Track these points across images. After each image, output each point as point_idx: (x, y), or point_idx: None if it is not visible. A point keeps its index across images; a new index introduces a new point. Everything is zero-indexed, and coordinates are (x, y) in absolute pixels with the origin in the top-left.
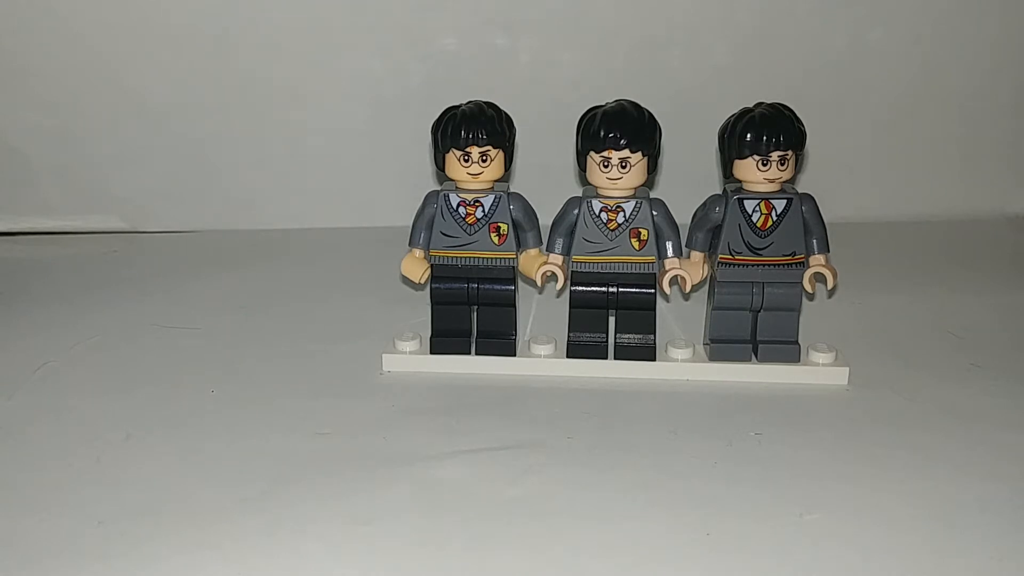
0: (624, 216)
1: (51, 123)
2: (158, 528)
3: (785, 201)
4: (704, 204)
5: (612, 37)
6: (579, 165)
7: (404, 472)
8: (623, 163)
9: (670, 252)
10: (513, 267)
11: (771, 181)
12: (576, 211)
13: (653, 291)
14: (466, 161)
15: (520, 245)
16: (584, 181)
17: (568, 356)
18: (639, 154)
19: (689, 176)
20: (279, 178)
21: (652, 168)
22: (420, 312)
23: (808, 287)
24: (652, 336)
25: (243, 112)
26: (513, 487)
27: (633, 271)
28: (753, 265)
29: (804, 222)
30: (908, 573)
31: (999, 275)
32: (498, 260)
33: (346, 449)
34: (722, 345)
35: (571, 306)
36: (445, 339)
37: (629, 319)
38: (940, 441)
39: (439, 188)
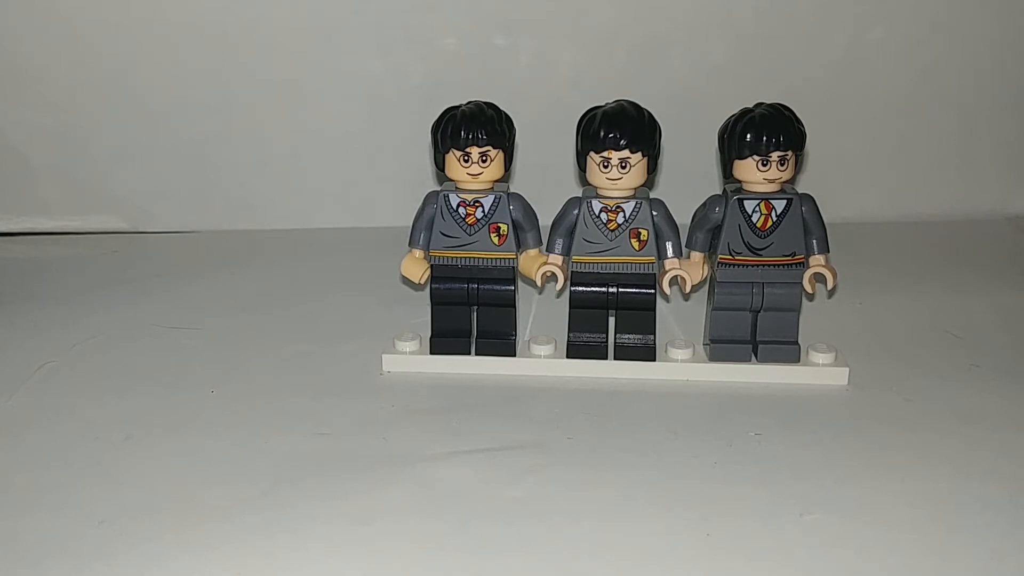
0: (624, 216)
1: (51, 123)
2: (158, 528)
3: (785, 201)
4: (704, 204)
5: (612, 37)
6: (579, 165)
7: (404, 472)
8: (623, 163)
9: (670, 252)
10: (513, 267)
11: (771, 181)
12: (576, 211)
13: (653, 291)
14: (466, 161)
15: (520, 245)
16: (584, 181)
17: (568, 356)
18: (639, 154)
19: (689, 176)
20: (279, 178)
21: (652, 168)
22: (420, 312)
23: (808, 287)
24: (652, 336)
25: (243, 112)
26: (513, 487)
27: (633, 271)
28: (753, 265)
29: (804, 222)
30: (908, 573)
31: (999, 275)
32: (498, 260)
33: (346, 449)
34: (722, 345)
35: (571, 306)
36: (445, 339)
37: (629, 319)
38: (940, 441)
39: (439, 188)
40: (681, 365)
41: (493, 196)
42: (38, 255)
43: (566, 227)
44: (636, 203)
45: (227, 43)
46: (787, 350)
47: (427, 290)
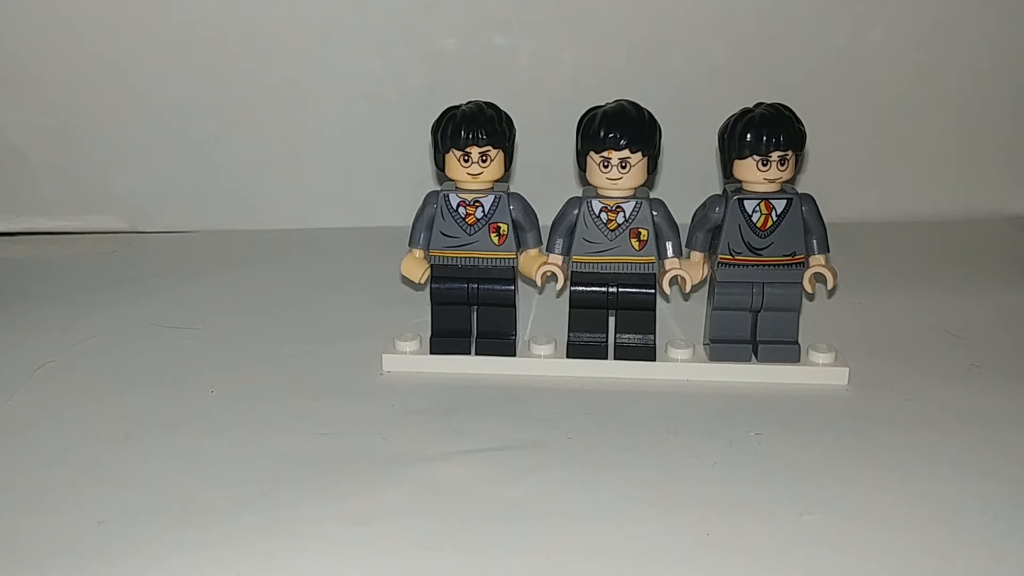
0: (624, 216)
1: (51, 123)
2: (158, 528)
3: (785, 201)
4: (704, 204)
5: (612, 37)
6: (579, 165)
7: (404, 472)
8: (623, 163)
9: (670, 252)
10: (513, 267)
11: (771, 181)
12: (576, 211)
13: (653, 291)
14: (466, 161)
15: (520, 245)
16: (584, 181)
17: (568, 356)
18: (639, 154)
19: (689, 176)
20: (279, 178)
21: (652, 168)
22: (420, 312)
23: (808, 287)
24: (652, 336)
25: (243, 112)
26: (513, 487)
27: (633, 271)
28: (753, 265)
29: (804, 222)
30: (908, 573)
31: (999, 275)
32: (498, 260)
33: (346, 449)
34: (722, 345)
35: (571, 306)
36: (445, 339)
37: (629, 319)
38: (940, 441)
39: (439, 188)
40: (681, 365)
41: (493, 196)
42: (38, 255)
43: (566, 227)
44: (636, 203)
45: (227, 43)
46: (787, 350)
47: (427, 290)
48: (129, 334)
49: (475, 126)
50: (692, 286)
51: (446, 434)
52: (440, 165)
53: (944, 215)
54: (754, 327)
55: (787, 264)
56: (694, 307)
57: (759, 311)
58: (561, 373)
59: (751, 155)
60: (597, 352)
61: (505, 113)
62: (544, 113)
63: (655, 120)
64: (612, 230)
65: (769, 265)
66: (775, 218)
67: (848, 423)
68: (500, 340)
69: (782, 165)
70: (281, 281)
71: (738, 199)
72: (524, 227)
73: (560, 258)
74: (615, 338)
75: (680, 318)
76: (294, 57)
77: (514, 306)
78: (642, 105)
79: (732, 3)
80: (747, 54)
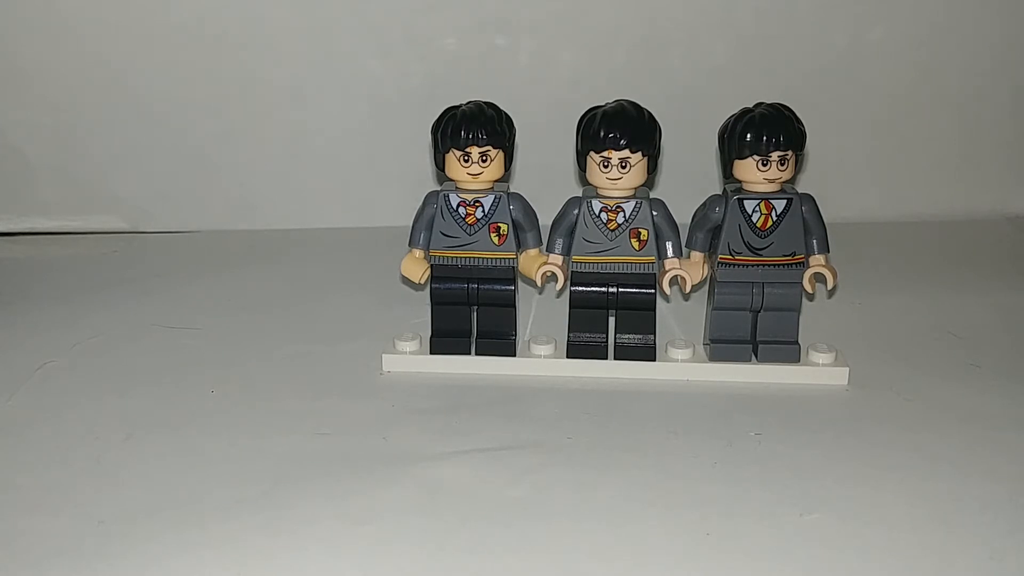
0: (624, 216)
1: (51, 123)
2: (158, 528)
3: (785, 201)
4: (704, 204)
5: (612, 37)
6: (579, 165)
7: (404, 472)
8: (623, 163)
9: (670, 252)
10: (513, 267)
11: (771, 181)
12: (576, 211)
13: (653, 291)
14: (466, 161)
15: (520, 245)
16: (584, 181)
17: (568, 356)
18: (639, 154)
19: (689, 176)
20: (279, 178)
21: (652, 168)
22: (420, 312)
23: (808, 287)
24: (652, 336)
25: (243, 112)
26: (513, 487)
27: (633, 271)
28: (753, 265)
29: (804, 222)
30: (908, 573)
31: (999, 275)
32: (498, 260)
33: (346, 449)
34: (722, 345)
35: (571, 306)
36: (445, 339)
37: (629, 319)
38: (940, 441)
39: (439, 188)
40: (681, 365)
41: (493, 196)
42: (38, 255)
43: (566, 227)
44: (636, 203)
45: (227, 43)
46: (787, 350)
47: (427, 290)
48: (129, 334)
49: (475, 126)
50: (692, 286)
51: (446, 434)
52: (440, 165)
53: (944, 215)
54: (754, 327)
55: (787, 264)
56: (694, 307)
57: (759, 311)
58: (561, 373)
59: (751, 155)
60: (597, 352)
61: (505, 113)
62: (544, 113)
63: (655, 120)
64: (612, 230)
65: (769, 265)
66: (775, 218)
67: (848, 423)
68: (500, 340)
69: (782, 165)
70: (281, 281)
71: (738, 199)
72: (524, 227)
73: (560, 258)
74: (615, 338)
75: (680, 318)
76: (294, 57)
77: (514, 306)
78: (642, 105)
79: (732, 3)
80: (747, 54)
